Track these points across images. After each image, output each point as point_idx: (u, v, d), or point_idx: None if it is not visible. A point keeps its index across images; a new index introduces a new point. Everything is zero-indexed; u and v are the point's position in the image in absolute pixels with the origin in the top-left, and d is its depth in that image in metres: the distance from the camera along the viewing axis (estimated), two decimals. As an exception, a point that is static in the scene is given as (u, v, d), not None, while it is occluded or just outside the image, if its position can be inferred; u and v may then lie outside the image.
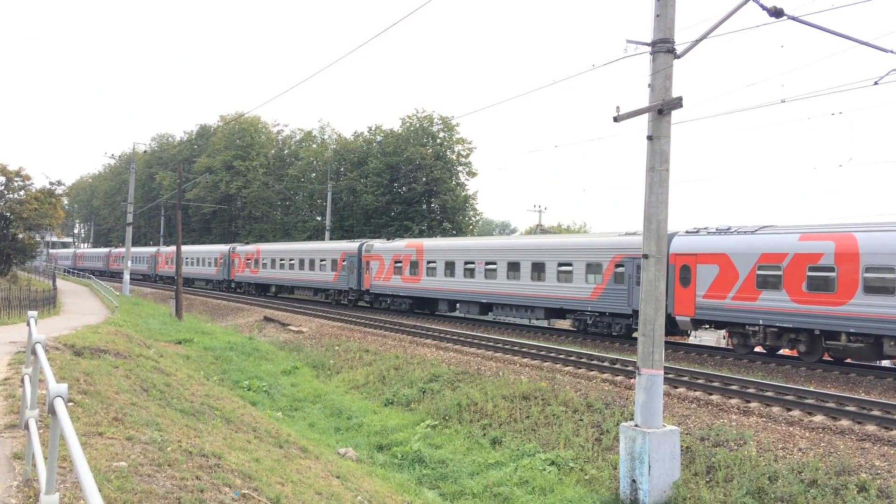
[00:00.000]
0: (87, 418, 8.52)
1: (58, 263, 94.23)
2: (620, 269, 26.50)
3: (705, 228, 24.98)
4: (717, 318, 23.26)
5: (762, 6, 11.80)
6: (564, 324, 34.19)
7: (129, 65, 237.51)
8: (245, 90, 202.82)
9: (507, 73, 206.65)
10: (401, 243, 40.02)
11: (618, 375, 19.32)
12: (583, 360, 21.73)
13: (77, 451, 3.69)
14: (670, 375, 18.33)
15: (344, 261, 42.70)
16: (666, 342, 16.42)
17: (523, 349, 24.06)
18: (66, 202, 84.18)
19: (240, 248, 57.54)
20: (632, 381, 17.58)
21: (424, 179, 63.62)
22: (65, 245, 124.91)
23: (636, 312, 25.23)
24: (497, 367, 21.26)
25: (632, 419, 13.57)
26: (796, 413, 15.05)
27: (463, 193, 65.65)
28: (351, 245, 43.30)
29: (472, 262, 33.84)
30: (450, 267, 35.24)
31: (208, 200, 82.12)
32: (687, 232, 25.12)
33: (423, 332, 29.48)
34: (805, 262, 20.87)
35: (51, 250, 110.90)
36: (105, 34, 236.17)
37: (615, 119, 12.58)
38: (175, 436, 8.98)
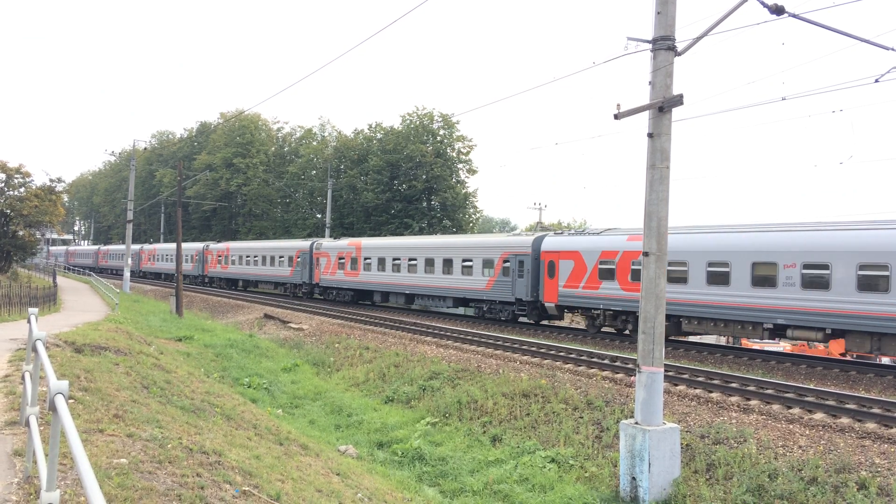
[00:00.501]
0: (88, 415, 8.52)
1: (56, 261, 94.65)
2: (507, 265, 31.18)
3: (568, 231, 32.04)
4: (573, 304, 28.22)
5: (763, 4, 11.78)
6: (566, 322, 34.21)
7: (129, 64, 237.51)
8: (245, 88, 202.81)
9: (507, 70, 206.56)
10: (344, 242, 44.75)
11: (618, 373, 19.33)
12: (583, 357, 21.73)
13: (78, 447, 3.69)
14: (670, 373, 18.35)
15: (298, 257, 46.63)
16: (666, 340, 16.44)
17: (523, 347, 24.06)
18: (66, 199, 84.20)
19: (213, 245, 61.95)
20: (632, 378, 17.59)
21: (424, 177, 63.59)
22: (65, 242, 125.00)
23: (518, 300, 30.80)
24: (497, 365, 21.26)
25: (632, 417, 13.58)
26: (796, 411, 15.05)
27: (463, 191, 65.62)
28: (304, 243, 48.11)
29: (399, 259, 38.42)
30: (381, 263, 39.81)
31: (208, 198, 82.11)
32: (554, 233, 31.25)
33: (424, 329, 29.49)
34: (630, 258, 25.57)
35: (51, 247, 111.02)
36: (105, 34, 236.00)
37: (616, 116, 12.57)
38: (176, 433, 8.98)
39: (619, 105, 12.55)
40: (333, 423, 18.16)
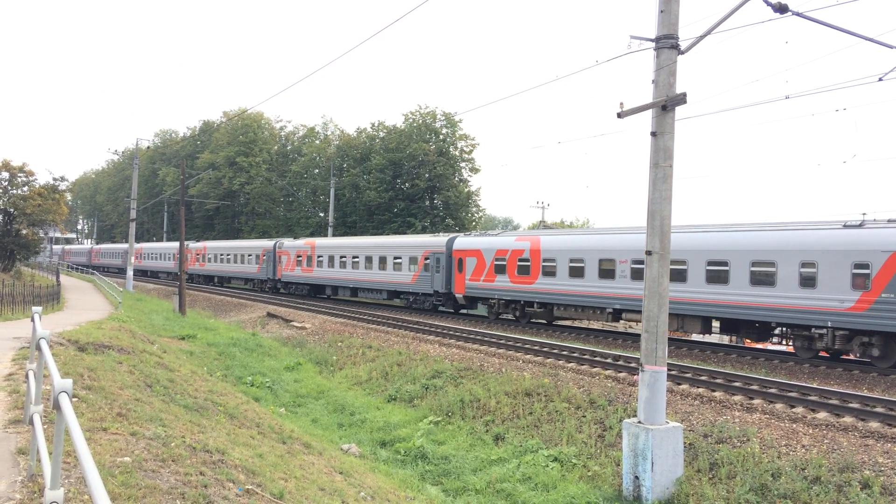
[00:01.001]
0: (92, 414, 8.54)
1: (52, 259, 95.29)
2: (427, 261, 36.62)
3: (475, 232, 38.20)
4: (476, 295, 33.85)
5: (767, 2, 11.75)
6: (579, 322, 34.23)
7: (130, 64, 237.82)
8: (248, 87, 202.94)
9: (510, 69, 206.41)
10: (301, 242, 49.95)
11: (621, 372, 19.31)
12: (586, 356, 21.73)
13: (82, 446, 3.69)
14: (673, 372, 18.34)
15: (264, 256, 50.34)
16: (668, 339, 16.43)
17: (526, 345, 24.06)
18: (69, 198, 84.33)
19: (192, 245, 65.48)
20: (635, 377, 17.58)
21: (427, 176, 63.58)
22: (67, 241, 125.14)
23: (436, 292, 36.35)
24: (500, 364, 21.26)
25: (635, 416, 13.57)
26: (799, 410, 15.03)
27: (466, 190, 65.59)
28: (269, 243, 52.53)
29: (345, 257, 43.81)
30: (331, 260, 45.17)
31: (211, 196, 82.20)
32: (464, 234, 37.51)
33: (426, 328, 29.50)
34: (516, 256, 31.09)
35: (54, 246, 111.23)
36: (105, 34, 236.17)
37: (619, 115, 12.56)
38: (179, 431, 9.00)
39: (622, 104, 12.53)
40: (336, 421, 18.17)
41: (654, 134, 12.73)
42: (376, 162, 65.72)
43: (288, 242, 50.64)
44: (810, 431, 13.69)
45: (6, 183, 47.46)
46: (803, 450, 12.81)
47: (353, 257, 43.13)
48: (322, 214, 75.62)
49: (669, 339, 24.47)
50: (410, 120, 66.43)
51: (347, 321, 33.35)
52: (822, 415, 14.62)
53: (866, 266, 19.29)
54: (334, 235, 61.17)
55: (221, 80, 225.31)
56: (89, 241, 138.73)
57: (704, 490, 12.13)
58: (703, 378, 18.15)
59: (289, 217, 79.82)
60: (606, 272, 26.66)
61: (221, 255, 60.44)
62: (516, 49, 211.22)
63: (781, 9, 11.72)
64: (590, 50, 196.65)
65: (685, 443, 13.33)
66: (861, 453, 12.37)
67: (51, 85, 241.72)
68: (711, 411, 15.36)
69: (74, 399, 8.69)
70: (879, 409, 14.55)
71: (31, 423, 6.17)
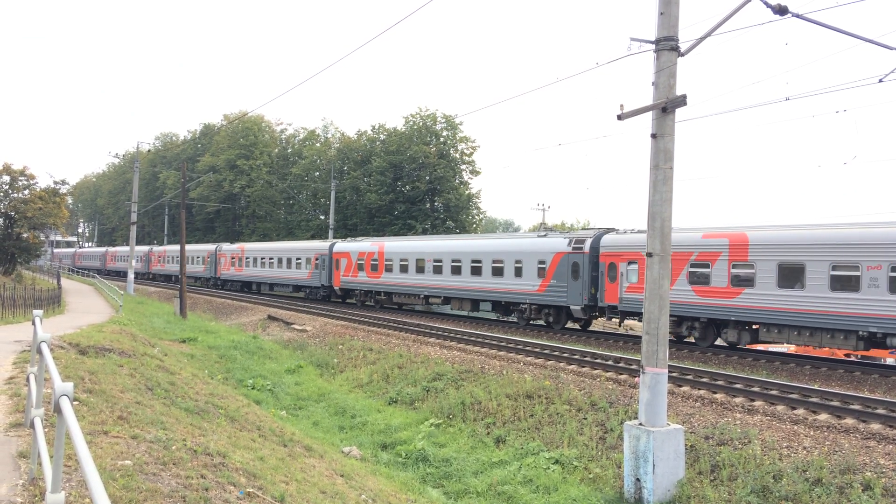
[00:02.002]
0: (93, 417, 8.54)
1: (61, 263, 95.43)
2: (318, 261, 46.63)
3: (350, 239, 47.15)
4: (348, 287, 44.37)
5: (767, 4, 11.77)
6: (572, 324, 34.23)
7: (130, 65, 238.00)
8: (248, 89, 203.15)
9: (510, 71, 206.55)
10: (235, 246, 60.66)
11: (622, 374, 19.31)
12: (587, 358, 21.72)
13: (83, 449, 3.69)
14: (674, 374, 18.31)
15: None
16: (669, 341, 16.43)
17: (527, 348, 24.05)
18: (70, 201, 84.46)
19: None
20: (636, 379, 17.56)
21: (428, 178, 63.62)
22: (69, 244, 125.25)
23: (323, 286, 46.37)
24: (501, 366, 21.25)
25: (636, 418, 13.56)
26: (801, 411, 15.02)
27: (466, 192, 65.63)
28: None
29: (265, 258, 54.08)
30: (255, 261, 55.59)
31: (212, 199, 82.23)
32: (341, 240, 47.67)
33: (427, 330, 29.50)
34: (370, 257, 41.23)
35: (55, 249, 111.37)
36: (105, 34, 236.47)
37: (619, 117, 12.56)
38: (180, 434, 8.99)
39: (622, 106, 12.54)
40: (337, 424, 18.17)
41: (654, 136, 12.73)
42: (377, 164, 65.77)
43: (226, 246, 52.27)
44: (811, 433, 13.68)
45: (7, 186, 47.51)
46: (805, 451, 12.80)
47: (270, 259, 52.39)
48: (323, 217, 75.66)
49: (669, 341, 23.28)
50: (411, 122, 66.49)
51: (348, 324, 33.35)
52: (823, 416, 14.61)
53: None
54: (338, 237, 61.17)
55: (222, 82, 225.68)
56: (89, 244, 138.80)
57: (706, 492, 12.12)
58: (704, 380, 18.14)
59: (289, 220, 79.85)
60: (420, 268, 37.11)
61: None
62: (517, 51, 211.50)
63: (781, 10, 11.73)
64: (590, 52, 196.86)
65: (686, 445, 13.31)
66: (862, 455, 12.35)
67: (51, 86, 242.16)
68: (713, 413, 15.35)
69: (75, 402, 8.71)
70: (881, 411, 14.54)
71: (33, 426, 6.16)
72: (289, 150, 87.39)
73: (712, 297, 23.11)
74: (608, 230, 28.65)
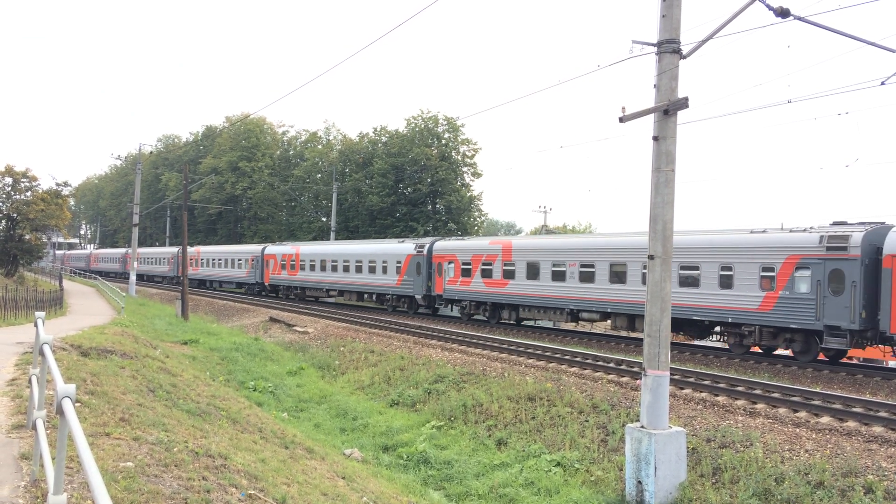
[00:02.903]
0: (94, 419, 8.55)
1: (55, 263, 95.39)
2: (253, 261, 55.71)
3: (289, 243, 54.85)
4: (275, 283, 52.67)
5: (768, 6, 11.78)
6: (571, 325, 34.26)
7: (130, 65, 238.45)
8: (250, 91, 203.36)
9: (512, 73, 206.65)
10: (193, 249, 67.65)
11: (623, 376, 19.29)
12: (588, 360, 21.71)
13: (85, 451, 3.70)
14: (676, 376, 18.30)
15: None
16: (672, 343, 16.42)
17: (528, 350, 24.04)
18: (72, 203, 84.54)
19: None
20: (638, 382, 17.55)
21: (429, 180, 63.59)
22: (71, 246, 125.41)
23: (258, 283, 55.45)
24: (502, 368, 21.25)
25: (638, 420, 13.54)
26: (803, 414, 15.01)
27: (468, 194, 65.60)
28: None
29: (214, 259, 63.77)
30: (207, 262, 64.89)
31: (214, 201, 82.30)
32: (280, 244, 55.86)
33: (429, 332, 29.50)
34: (290, 258, 49.93)
35: (58, 251, 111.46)
36: (105, 34, 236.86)
37: (621, 120, 12.57)
38: (181, 436, 9.00)
39: (624, 108, 12.54)
40: (339, 426, 18.16)
41: (656, 138, 12.74)
42: (378, 166, 65.77)
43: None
44: (813, 436, 13.66)
45: (9, 188, 47.61)
46: (806, 454, 12.78)
47: (219, 259, 63.83)
48: (325, 219, 75.68)
49: (672, 343, 23.47)
50: (413, 124, 66.48)
51: (350, 325, 33.36)
52: (825, 419, 14.59)
53: None
54: (337, 240, 61.17)
55: (223, 84, 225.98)
56: (91, 245, 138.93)
57: (708, 495, 12.11)
58: (705, 382, 18.13)
59: (291, 222, 79.90)
60: (333, 268, 45.06)
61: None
62: (519, 54, 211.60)
63: (783, 13, 11.74)
64: (592, 55, 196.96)
65: (688, 447, 13.30)
66: (864, 458, 12.34)
67: (52, 86, 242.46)
68: (714, 416, 15.34)
69: (77, 404, 8.70)
70: (883, 414, 14.52)
71: (35, 428, 6.18)
72: (291, 152, 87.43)
73: (494, 287, 32.53)
74: (439, 238, 38.59)
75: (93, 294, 47.16)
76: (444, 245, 36.52)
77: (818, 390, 16.76)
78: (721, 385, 17.79)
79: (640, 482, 12.35)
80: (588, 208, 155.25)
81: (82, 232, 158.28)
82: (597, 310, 27.84)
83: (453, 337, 27.87)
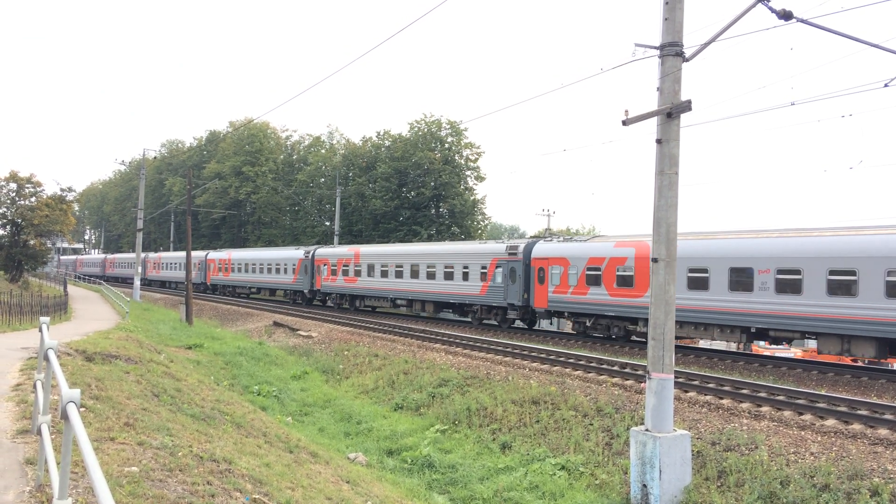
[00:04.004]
0: (99, 423, 8.56)
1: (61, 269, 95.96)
2: (200, 264, 62.99)
3: (223, 250, 64.07)
4: (216, 283, 61.07)
5: (771, 9, 11.77)
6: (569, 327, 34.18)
7: (129, 66, 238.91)
8: (253, 95, 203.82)
9: (515, 77, 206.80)
10: (155, 255, 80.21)
11: (628, 379, 19.25)
12: (592, 364, 21.67)
13: (90, 456, 3.70)
14: (681, 379, 18.24)
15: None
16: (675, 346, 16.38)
17: (532, 353, 24.01)
18: (76, 208, 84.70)
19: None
20: (642, 385, 17.52)
21: (433, 184, 63.61)
22: (75, 251, 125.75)
23: (203, 284, 62.93)
24: (506, 372, 21.23)
25: (642, 423, 13.52)
26: (808, 417, 14.95)
27: (471, 198, 65.61)
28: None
29: (169, 263, 73.72)
30: (165, 266, 74.65)
31: (218, 206, 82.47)
32: (213, 250, 66.11)
33: (432, 336, 29.48)
34: (224, 262, 60.13)
35: (69, 256, 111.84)
36: (104, 35, 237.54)
37: (624, 123, 12.56)
38: (186, 441, 9.01)
39: (627, 111, 12.53)
40: (343, 430, 18.16)
41: (659, 141, 12.74)
42: (382, 170, 65.83)
43: (152, 255, 52.97)
44: (819, 439, 13.62)
45: (14, 194, 47.73)
46: (812, 457, 12.74)
47: (173, 263, 73.71)
48: (328, 223, 75.76)
49: (676, 346, 20.95)
50: (416, 128, 66.54)
51: (353, 330, 33.36)
52: (830, 422, 14.53)
53: None
54: (340, 244, 61.15)
55: (226, 88, 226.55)
56: (96, 251, 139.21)
57: (713, 498, 12.08)
58: (710, 385, 18.08)
59: (294, 226, 80.00)
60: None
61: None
62: (522, 57, 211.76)
63: (786, 15, 11.73)
64: (595, 58, 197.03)
65: (693, 450, 13.28)
66: (870, 460, 12.29)
67: (51, 87, 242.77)
68: (719, 419, 15.30)
69: (82, 409, 8.73)
70: (888, 416, 14.46)
71: (40, 433, 6.19)
72: (294, 157, 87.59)
73: (351, 283, 43.64)
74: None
75: (97, 299, 47.24)
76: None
77: (823, 393, 16.70)
78: (726, 388, 17.75)
79: (644, 486, 12.32)
80: (592, 211, 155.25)
81: (87, 237, 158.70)
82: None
83: (457, 340, 27.86)
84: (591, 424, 16.14)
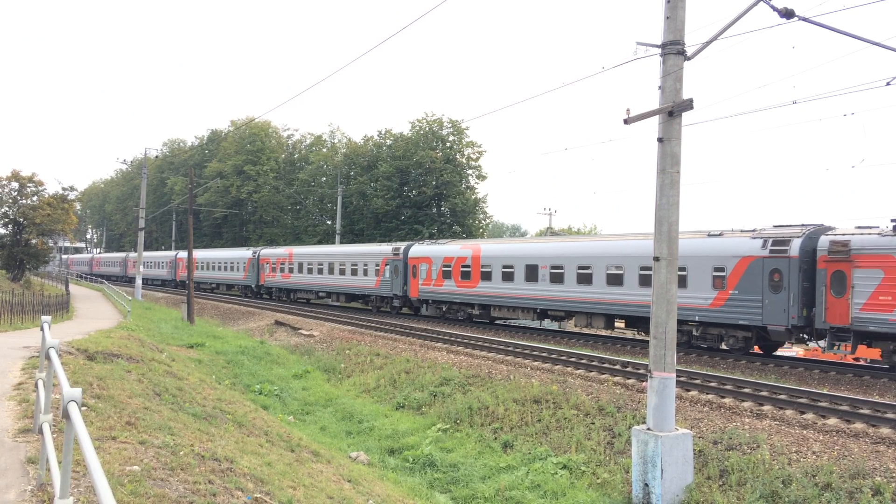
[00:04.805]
0: (101, 423, 8.56)
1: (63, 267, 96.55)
2: (169, 264, 71.29)
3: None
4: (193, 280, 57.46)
5: (773, 7, 11.75)
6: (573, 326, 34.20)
7: (129, 66, 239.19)
8: (255, 95, 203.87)
9: (516, 76, 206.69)
10: (122, 255, 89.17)
11: (629, 378, 19.24)
12: (594, 363, 21.66)
13: (91, 455, 3.70)
14: (682, 378, 18.24)
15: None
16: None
17: (534, 352, 24.01)
18: (78, 208, 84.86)
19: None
20: (644, 384, 17.51)
21: (434, 183, 63.61)
22: (77, 250, 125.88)
23: (172, 280, 71.73)
24: (508, 371, 21.22)
25: (644, 423, 13.51)
26: (810, 416, 14.94)
27: (473, 197, 65.61)
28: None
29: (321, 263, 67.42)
30: (124, 264, 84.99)
31: (219, 205, 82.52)
32: (179, 250, 78.19)
33: (434, 335, 29.48)
34: (179, 262, 69.33)
35: (85, 255, 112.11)
36: (104, 35, 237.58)
37: (625, 121, 12.54)
38: (187, 440, 9.01)
39: (628, 110, 12.52)
40: (344, 429, 18.16)
41: (660, 140, 12.72)
42: (383, 169, 65.84)
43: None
44: (821, 438, 13.60)
45: (16, 193, 47.83)
46: (814, 456, 12.73)
47: (145, 263, 76.85)
48: (329, 222, 75.77)
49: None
50: (417, 127, 66.54)
51: (355, 329, 33.36)
52: (832, 421, 14.52)
53: None
54: (341, 243, 61.10)
55: (227, 87, 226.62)
56: (97, 250, 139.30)
57: (715, 497, 12.07)
58: (712, 384, 18.07)
59: (296, 225, 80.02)
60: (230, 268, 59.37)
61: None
62: (523, 56, 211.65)
63: (788, 14, 11.71)
64: (596, 56, 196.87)
65: (695, 449, 13.26)
66: (872, 459, 12.28)
67: (52, 87, 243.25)
68: (721, 418, 15.28)
69: (83, 408, 8.73)
70: (890, 415, 14.45)
71: (41, 432, 6.19)
72: (295, 156, 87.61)
73: (286, 279, 50.61)
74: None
75: (99, 298, 47.28)
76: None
77: (825, 392, 16.69)
78: (727, 387, 17.73)
79: (646, 485, 12.31)
80: (593, 210, 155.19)
81: (88, 236, 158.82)
82: None
83: (458, 339, 27.85)
84: (593, 423, 16.14)
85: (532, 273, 30.01)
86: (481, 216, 67.34)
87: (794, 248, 21.00)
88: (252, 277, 56.24)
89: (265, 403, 19.33)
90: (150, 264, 76.47)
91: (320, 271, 46.31)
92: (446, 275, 34.84)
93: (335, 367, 26.44)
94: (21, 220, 47.50)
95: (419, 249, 37.45)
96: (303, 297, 51.22)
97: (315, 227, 76.82)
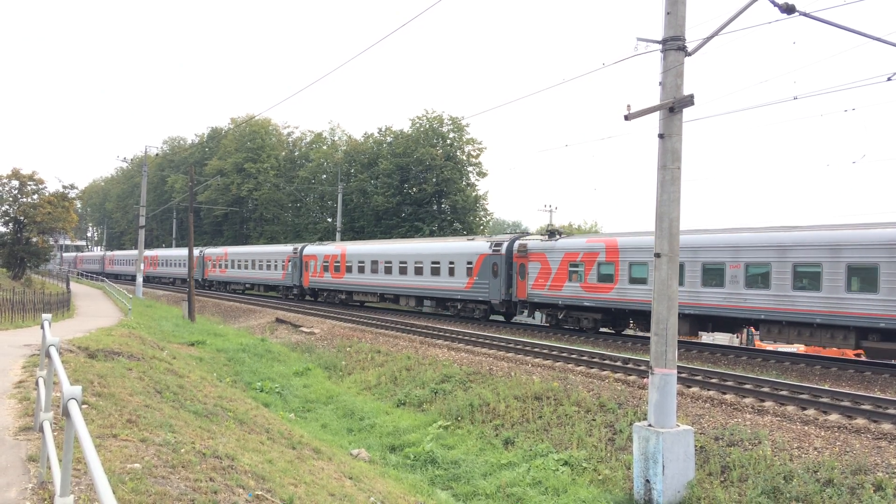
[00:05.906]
0: (102, 420, 8.55)
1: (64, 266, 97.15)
2: (199, 264, 64.39)
3: (156, 249, 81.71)
4: (154, 277, 76.15)
5: (774, 2, 11.72)
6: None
7: (129, 65, 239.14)
8: (255, 92, 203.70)
9: (516, 72, 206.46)
10: (99, 253, 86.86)
11: (630, 375, 19.24)
12: (595, 359, 21.65)
13: (91, 453, 3.69)
14: (683, 375, 18.25)
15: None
16: (679, 342, 16.37)
17: (535, 349, 24.00)
18: (79, 206, 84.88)
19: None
20: (645, 380, 17.51)
21: (435, 180, 63.55)
22: (78, 248, 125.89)
23: (201, 280, 64.91)
24: (509, 368, 21.22)
25: (645, 419, 13.51)
26: (811, 412, 14.93)
27: (473, 194, 65.55)
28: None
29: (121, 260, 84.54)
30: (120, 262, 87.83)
31: (220, 203, 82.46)
32: (154, 249, 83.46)
33: (435, 332, 29.48)
34: (157, 261, 76.53)
35: (97, 252, 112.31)
36: (104, 35, 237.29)
37: (626, 118, 12.52)
38: (189, 437, 9.00)
39: (629, 106, 12.50)
40: (345, 426, 18.17)
41: (661, 136, 12.70)
42: (384, 167, 65.78)
43: (88, 254, 60.87)
44: (822, 433, 13.60)
45: (16, 191, 47.80)
46: (815, 452, 12.72)
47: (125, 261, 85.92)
48: (330, 220, 75.73)
49: (679, 341, 24.34)
50: (417, 125, 66.45)
51: (356, 326, 33.36)
52: (833, 417, 14.52)
53: None
54: (342, 241, 61.06)
55: (227, 85, 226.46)
56: (98, 248, 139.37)
57: (716, 493, 12.06)
58: (713, 381, 18.07)
59: (297, 223, 79.99)
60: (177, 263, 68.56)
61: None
62: (523, 53, 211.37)
63: (788, 9, 11.68)
64: (596, 52, 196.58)
65: (696, 446, 13.26)
66: (874, 455, 12.27)
67: (52, 87, 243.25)
68: (722, 414, 15.28)
69: (84, 406, 8.73)
70: (892, 411, 14.44)
71: (42, 430, 6.18)
72: (296, 153, 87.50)
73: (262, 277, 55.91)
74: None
75: (100, 296, 47.28)
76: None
77: (826, 388, 16.68)
78: (729, 383, 17.73)
79: (648, 481, 12.31)
80: (594, 206, 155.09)
81: (89, 234, 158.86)
82: None
83: (459, 336, 27.85)
84: (594, 420, 16.13)
85: (374, 267, 41.42)
86: (482, 213, 67.29)
87: (504, 248, 32.73)
88: (199, 272, 62.11)
89: (266, 401, 19.34)
90: (172, 263, 72.76)
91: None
92: (325, 269, 46.27)
93: (336, 365, 26.45)
94: (21, 218, 47.47)
95: (310, 249, 48.97)
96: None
97: (316, 225, 76.79)
